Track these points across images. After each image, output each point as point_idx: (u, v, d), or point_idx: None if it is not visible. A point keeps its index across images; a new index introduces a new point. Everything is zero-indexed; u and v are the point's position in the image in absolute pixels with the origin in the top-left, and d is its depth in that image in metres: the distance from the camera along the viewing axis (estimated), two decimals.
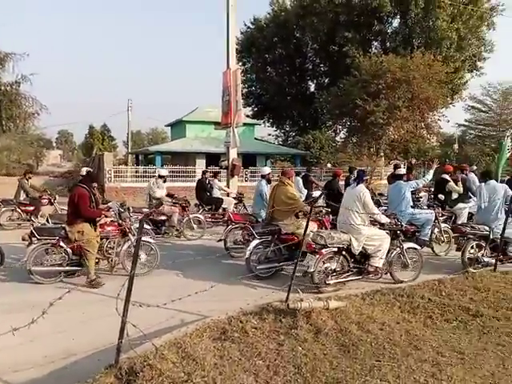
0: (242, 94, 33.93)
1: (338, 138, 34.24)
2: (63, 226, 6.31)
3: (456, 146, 35.38)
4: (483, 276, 6.34)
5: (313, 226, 6.66)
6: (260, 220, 7.94)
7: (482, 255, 6.89)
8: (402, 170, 8.49)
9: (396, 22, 32.59)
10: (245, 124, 27.28)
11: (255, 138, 33.67)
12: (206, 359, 3.60)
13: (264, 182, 8.47)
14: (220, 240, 8.17)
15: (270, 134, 42.90)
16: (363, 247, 5.95)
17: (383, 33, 32.43)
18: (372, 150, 27.54)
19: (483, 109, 38.39)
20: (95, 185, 6.79)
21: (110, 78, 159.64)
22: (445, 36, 28.44)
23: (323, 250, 5.74)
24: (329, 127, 34.81)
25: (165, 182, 10.33)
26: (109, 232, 6.66)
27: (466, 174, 9.53)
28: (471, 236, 6.99)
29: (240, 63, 36.95)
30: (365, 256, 6.06)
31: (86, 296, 5.65)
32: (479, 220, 7.38)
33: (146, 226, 8.43)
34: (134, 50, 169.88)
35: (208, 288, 4.15)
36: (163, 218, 9.61)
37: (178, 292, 4.13)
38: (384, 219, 6.23)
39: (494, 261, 6.92)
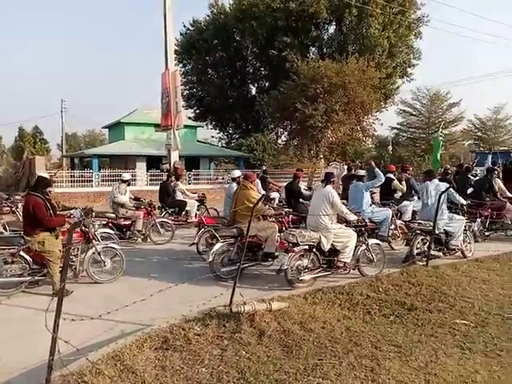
0: (183, 96, 33.63)
1: (279, 141, 34.93)
2: (22, 234, 5.90)
3: (390, 148, 37.37)
4: (417, 271, 6.64)
5: (274, 227, 6.90)
6: None
7: (428, 249, 7.29)
8: (362, 172, 8.93)
9: (332, 29, 33.92)
10: (186, 126, 26.95)
11: (198, 141, 33.37)
12: (146, 371, 3.46)
13: (234, 184, 8.55)
14: (192, 244, 8.07)
15: (213, 137, 42.87)
16: (332, 244, 6.23)
17: (320, 39, 33.52)
18: (312, 152, 28.33)
19: (414, 112, 40.90)
20: (50, 189, 6.33)
21: (42, 77, 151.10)
22: (377, 43, 29.96)
23: (295, 248, 5.97)
24: (271, 130, 35.36)
25: (129, 185, 10.12)
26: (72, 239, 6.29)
27: (410, 174, 10.05)
28: (418, 231, 7.40)
29: (180, 65, 36.54)
30: (334, 253, 6.33)
31: (18, 310, 5.22)
32: (424, 216, 7.80)
33: (109, 230, 8.36)
34: (67, 48, 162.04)
35: (148, 297, 4.01)
36: (127, 222, 9.33)
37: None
38: (352, 217, 6.55)
39: (440, 253, 7.51)
